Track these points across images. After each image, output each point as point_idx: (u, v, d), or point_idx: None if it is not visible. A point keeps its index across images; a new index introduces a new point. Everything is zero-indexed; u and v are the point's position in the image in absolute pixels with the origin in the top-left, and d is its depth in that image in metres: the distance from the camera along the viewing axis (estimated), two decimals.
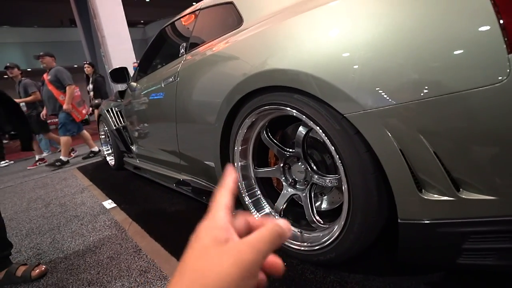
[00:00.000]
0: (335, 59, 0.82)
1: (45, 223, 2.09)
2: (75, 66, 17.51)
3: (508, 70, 0.59)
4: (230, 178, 0.29)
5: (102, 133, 3.52)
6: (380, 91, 0.74)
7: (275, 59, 1.00)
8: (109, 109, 3.08)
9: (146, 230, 1.65)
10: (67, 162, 4.23)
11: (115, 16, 7.98)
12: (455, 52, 0.64)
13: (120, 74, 2.43)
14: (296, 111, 0.97)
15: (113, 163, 3.33)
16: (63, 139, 4.03)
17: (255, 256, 0.22)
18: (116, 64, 7.93)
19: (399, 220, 0.80)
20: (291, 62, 0.93)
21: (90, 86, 5.09)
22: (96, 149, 4.55)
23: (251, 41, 1.16)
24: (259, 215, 1.29)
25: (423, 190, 0.75)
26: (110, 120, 3.01)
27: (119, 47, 7.99)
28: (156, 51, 2.33)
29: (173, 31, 2.13)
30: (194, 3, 1.92)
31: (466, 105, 0.64)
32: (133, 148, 2.74)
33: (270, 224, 0.25)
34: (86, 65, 5.09)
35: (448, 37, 0.65)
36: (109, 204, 2.24)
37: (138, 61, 2.52)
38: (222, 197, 0.27)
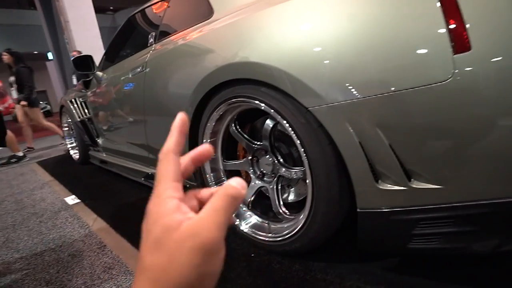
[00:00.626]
0: (301, 53, 0.84)
1: None
2: (35, 52, 16.25)
3: (453, 70, 0.64)
4: (176, 128, 0.25)
5: (65, 125, 3.32)
6: (341, 86, 0.77)
7: (244, 52, 1.00)
8: (73, 100, 2.91)
9: (112, 226, 1.60)
10: (24, 156, 3.94)
11: (80, 0, 7.49)
12: (409, 52, 0.69)
13: (84, 63, 2.30)
14: (264, 104, 0.98)
15: (77, 157, 3.16)
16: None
17: (215, 232, 0.20)
18: (81, 52, 7.47)
19: (358, 209, 0.85)
20: (259, 55, 0.94)
21: (12, 78, 4.26)
22: (20, 153, 3.93)
23: (221, 33, 1.16)
24: None
25: (379, 180, 0.80)
26: (74, 111, 2.85)
27: (85, 34, 7.52)
28: (124, 40, 2.23)
29: (142, 19, 2.05)
30: None
31: (416, 101, 0.69)
32: (99, 141, 2.62)
33: (221, 190, 0.22)
34: (3, 54, 4.09)
35: (403, 37, 0.70)
36: (72, 199, 2.13)
37: (105, 50, 2.40)
38: (168, 165, 0.24)
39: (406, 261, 1.02)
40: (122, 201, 1.95)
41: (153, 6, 1.91)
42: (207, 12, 1.36)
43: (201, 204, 0.25)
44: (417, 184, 0.76)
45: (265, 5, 1.01)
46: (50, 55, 11.40)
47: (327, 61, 0.80)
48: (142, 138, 1.77)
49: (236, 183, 0.23)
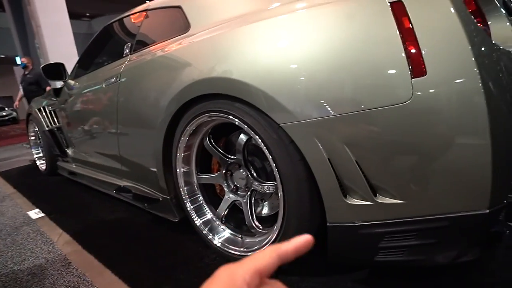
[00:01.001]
0: (274, 71, 0.87)
1: None
2: (2, 56, 15.40)
3: (411, 92, 0.69)
4: (296, 241, 0.25)
5: (32, 133, 3.15)
6: (311, 104, 0.80)
7: (219, 67, 1.01)
8: (41, 108, 2.78)
9: (79, 241, 1.52)
10: None
11: (54, 5, 7.24)
12: (375, 74, 0.73)
13: (55, 70, 2.22)
14: (238, 119, 0.99)
15: (44, 167, 2.99)
16: None
17: None
18: (54, 58, 7.15)
19: (328, 224, 0.87)
20: (233, 71, 0.96)
21: None
22: None
23: (197, 47, 1.17)
24: (201, 221, 1.28)
25: (347, 195, 0.83)
26: (42, 120, 2.71)
27: (58, 40, 7.25)
28: (99, 49, 2.18)
29: (118, 29, 2.02)
30: (146, 1, 1.85)
31: (381, 120, 0.73)
32: (69, 151, 2.51)
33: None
34: None
35: (370, 60, 0.74)
36: (35, 213, 2.00)
37: (79, 57, 2.33)
38: (265, 255, 0.23)
39: (375, 273, 1.05)
40: (91, 215, 1.86)
41: (130, 17, 1.89)
42: (184, 27, 1.37)
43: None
44: (382, 199, 0.79)
45: (242, 23, 1.04)
46: (18, 60, 10.84)
47: (299, 80, 0.83)
48: (115, 149, 1.72)
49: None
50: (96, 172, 2.09)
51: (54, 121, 2.66)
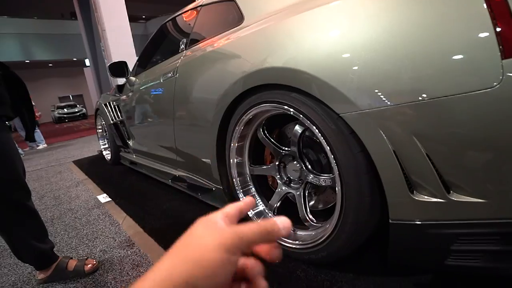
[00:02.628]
0: (332, 59, 0.83)
1: None
2: (74, 59, 17.38)
3: (501, 77, 0.60)
4: (244, 201, 0.31)
5: (99, 127, 3.51)
6: (375, 92, 0.75)
7: (274, 58, 1.00)
8: (107, 103, 3.07)
9: (140, 225, 1.65)
10: None
11: (117, 10, 7.94)
12: (452, 57, 0.65)
13: (119, 68, 2.42)
14: (293, 109, 0.97)
15: (109, 157, 3.32)
16: None
17: (236, 240, 0.24)
18: (116, 58, 7.86)
19: (390, 221, 0.81)
20: (290, 60, 0.94)
21: None
22: None
23: (251, 39, 1.17)
24: (253, 212, 1.29)
25: (414, 191, 0.76)
26: (108, 114, 3.00)
27: (120, 42, 7.95)
28: (156, 47, 2.32)
29: (173, 27, 2.13)
30: None
31: (459, 109, 0.65)
32: (130, 143, 2.74)
33: (263, 221, 0.27)
34: None
35: (445, 41, 0.66)
36: (103, 198, 2.23)
37: (138, 56, 2.52)
38: (227, 208, 0.29)
39: (440, 279, 0.95)
40: (150, 201, 2.01)
41: (184, 15, 1.98)
42: (238, 19, 1.39)
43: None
44: (457, 197, 0.71)
45: (295, 12, 1.02)
46: (87, 62, 12.16)
47: (361, 67, 0.78)
48: (171, 141, 1.83)
49: (281, 220, 0.27)
50: (154, 162, 2.25)
51: (118, 115, 2.92)
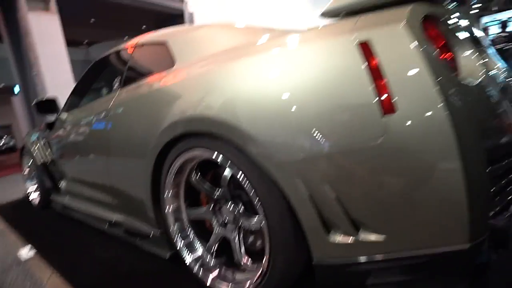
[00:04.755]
0: (251, 110, 0.89)
1: None
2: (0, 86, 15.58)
3: (383, 131, 0.70)
4: None
5: (26, 167, 3.14)
6: (290, 143, 0.82)
7: (201, 106, 1.03)
8: (35, 141, 2.79)
9: (70, 282, 1.48)
10: None
11: (52, 35, 7.45)
12: (347, 114, 0.76)
13: (48, 105, 2.25)
14: (221, 156, 1.00)
15: (37, 201, 2.97)
16: None
17: None
18: (51, 86, 7.26)
19: (313, 262, 0.86)
20: (212, 108, 0.98)
21: None
22: None
23: (177, 85, 1.20)
24: (192, 257, 1.26)
25: (330, 232, 0.82)
26: (36, 153, 2.72)
27: (55, 68, 7.41)
28: (90, 82, 2.23)
29: (108, 63, 2.07)
30: (143, 26, 1.91)
31: (356, 159, 0.74)
32: (62, 184, 2.50)
33: None
34: None
35: (342, 100, 0.77)
36: (26, 252, 1.96)
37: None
38: None
39: None
40: (82, 253, 1.83)
41: (119, 52, 1.94)
42: (169, 62, 1.41)
43: None
44: (364, 235, 0.79)
45: (223, 60, 1.08)
46: (16, 89, 10.99)
47: (278, 118, 0.84)
48: (106, 182, 1.72)
49: None
50: (88, 206, 2.07)
51: (47, 154, 2.66)
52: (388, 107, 0.71)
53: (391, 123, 0.70)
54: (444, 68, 0.74)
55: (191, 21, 10.06)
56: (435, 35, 0.80)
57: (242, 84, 0.96)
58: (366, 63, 0.74)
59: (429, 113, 0.68)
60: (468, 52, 0.86)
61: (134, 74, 1.69)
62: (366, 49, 0.75)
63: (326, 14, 0.93)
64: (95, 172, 1.84)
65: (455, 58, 0.83)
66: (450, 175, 0.68)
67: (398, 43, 0.73)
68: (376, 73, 0.72)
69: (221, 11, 11.55)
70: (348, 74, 0.76)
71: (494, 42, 6.99)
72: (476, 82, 0.83)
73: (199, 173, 1.19)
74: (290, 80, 0.86)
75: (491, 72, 0.96)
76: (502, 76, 1.04)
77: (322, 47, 0.83)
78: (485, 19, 9.62)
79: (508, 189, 0.85)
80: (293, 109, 0.82)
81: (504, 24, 7.06)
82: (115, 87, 1.76)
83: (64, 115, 2.28)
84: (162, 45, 1.52)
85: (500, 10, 9.68)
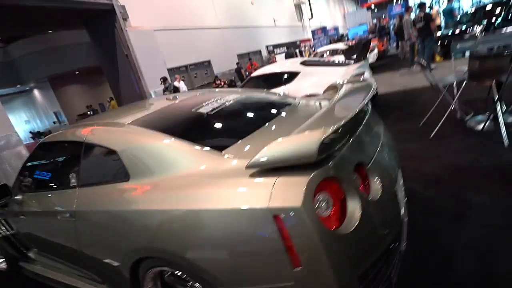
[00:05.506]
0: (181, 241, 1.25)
1: None
2: None
3: (293, 277, 1.05)
4: None
5: None
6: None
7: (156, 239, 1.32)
8: None
9: None
10: None
11: None
12: (267, 268, 1.09)
13: None
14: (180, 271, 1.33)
15: (4, 266, 2.96)
16: None
17: None
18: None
19: None
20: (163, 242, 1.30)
21: None
22: None
23: (138, 215, 1.41)
24: None
25: None
26: None
27: None
28: (40, 165, 2.26)
29: (59, 150, 2.13)
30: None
31: None
32: (31, 254, 2.57)
33: None
34: None
35: (259, 257, 1.10)
36: None
37: None
38: None
39: None
40: None
41: (71, 143, 1.98)
42: (124, 175, 1.54)
43: None
44: None
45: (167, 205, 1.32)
46: None
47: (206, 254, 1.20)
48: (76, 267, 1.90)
49: None
50: (60, 276, 2.19)
51: (7, 228, 2.66)
52: (296, 262, 1.04)
53: (299, 273, 1.05)
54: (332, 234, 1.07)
55: (125, 15, 9.35)
56: (331, 191, 1.13)
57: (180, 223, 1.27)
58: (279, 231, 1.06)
59: None
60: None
61: (91, 174, 1.78)
62: (279, 220, 1.05)
63: (251, 167, 1.19)
64: (65, 256, 2.00)
65: (345, 207, 1.16)
66: None
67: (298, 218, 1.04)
68: (286, 238, 1.04)
69: (154, 2, 10.83)
70: (268, 238, 1.08)
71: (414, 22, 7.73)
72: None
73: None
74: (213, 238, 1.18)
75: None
76: None
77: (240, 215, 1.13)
78: None
79: None
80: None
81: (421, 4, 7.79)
82: (72, 183, 1.85)
83: (19, 196, 2.29)
84: (113, 153, 1.62)
85: None
